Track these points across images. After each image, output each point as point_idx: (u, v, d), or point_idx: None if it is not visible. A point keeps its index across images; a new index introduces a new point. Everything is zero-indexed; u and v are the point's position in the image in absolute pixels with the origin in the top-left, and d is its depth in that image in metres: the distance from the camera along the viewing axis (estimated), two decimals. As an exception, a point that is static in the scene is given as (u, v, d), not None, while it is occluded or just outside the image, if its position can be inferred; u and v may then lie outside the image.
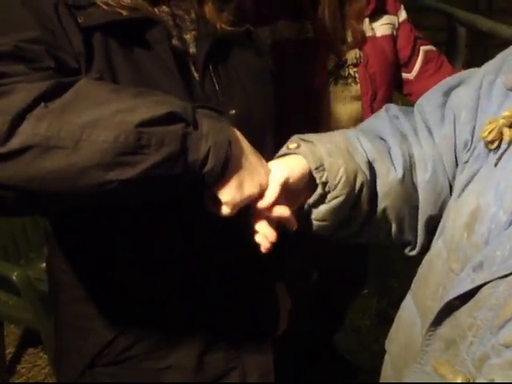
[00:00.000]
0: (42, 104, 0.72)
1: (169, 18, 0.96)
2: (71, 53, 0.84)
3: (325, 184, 0.88)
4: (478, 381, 0.80)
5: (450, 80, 0.99)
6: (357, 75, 1.72)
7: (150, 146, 0.74)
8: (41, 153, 0.70)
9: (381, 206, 0.92)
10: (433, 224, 0.96)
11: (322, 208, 0.89)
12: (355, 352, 2.46)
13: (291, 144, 0.91)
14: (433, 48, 1.87)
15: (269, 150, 1.05)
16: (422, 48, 1.84)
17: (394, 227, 0.95)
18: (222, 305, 1.06)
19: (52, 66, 0.80)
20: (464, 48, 3.99)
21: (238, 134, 0.85)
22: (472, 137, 0.91)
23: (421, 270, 0.99)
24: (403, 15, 1.81)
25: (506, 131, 0.83)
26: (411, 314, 0.98)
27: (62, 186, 0.73)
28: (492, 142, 0.85)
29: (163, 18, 0.95)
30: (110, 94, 0.76)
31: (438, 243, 0.94)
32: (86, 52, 0.84)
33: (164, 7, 0.96)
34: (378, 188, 0.92)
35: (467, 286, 0.80)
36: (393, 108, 1.02)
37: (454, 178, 0.95)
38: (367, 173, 0.90)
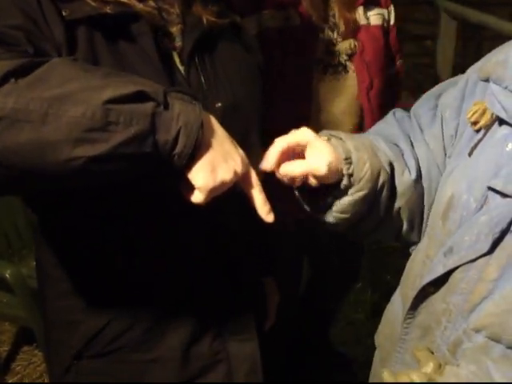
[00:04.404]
0: (13, 80, 0.72)
1: (154, 12, 0.96)
2: (52, 43, 0.84)
3: (350, 176, 0.90)
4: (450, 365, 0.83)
5: (442, 84, 1.02)
6: (348, 64, 1.68)
7: (118, 123, 0.74)
8: (9, 126, 0.71)
9: (397, 205, 0.95)
10: None
11: (346, 200, 0.91)
12: (350, 345, 2.47)
13: (322, 137, 0.93)
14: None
15: (254, 143, 1.05)
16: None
17: (405, 226, 0.98)
18: (208, 298, 1.06)
19: (30, 51, 0.80)
20: (455, 41, 3.99)
21: (213, 119, 0.84)
22: (456, 133, 0.94)
23: (407, 263, 1.02)
24: (392, 18, 1.79)
25: (488, 114, 0.85)
26: (397, 306, 1.01)
27: (29, 161, 0.73)
28: (475, 123, 0.87)
29: (148, 11, 0.95)
30: (81, 72, 0.76)
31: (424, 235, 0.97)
32: (68, 44, 0.85)
33: (150, 1, 0.96)
34: (396, 187, 0.94)
35: (439, 271, 0.83)
36: (399, 111, 1.06)
37: None
38: (388, 171, 0.93)
